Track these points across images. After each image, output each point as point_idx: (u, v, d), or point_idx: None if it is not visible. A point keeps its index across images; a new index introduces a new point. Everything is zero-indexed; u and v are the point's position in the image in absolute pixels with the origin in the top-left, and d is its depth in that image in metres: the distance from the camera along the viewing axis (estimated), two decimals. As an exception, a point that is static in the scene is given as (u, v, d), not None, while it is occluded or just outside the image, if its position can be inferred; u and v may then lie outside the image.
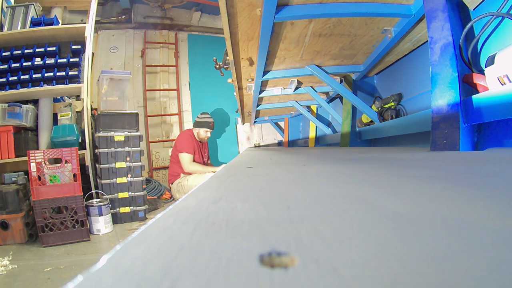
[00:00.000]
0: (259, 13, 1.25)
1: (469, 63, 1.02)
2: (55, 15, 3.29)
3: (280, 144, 4.81)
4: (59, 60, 2.87)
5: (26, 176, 2.50)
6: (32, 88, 2.78)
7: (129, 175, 2.85)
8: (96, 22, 3.61)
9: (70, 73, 2.88)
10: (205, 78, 5.29)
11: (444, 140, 0.96)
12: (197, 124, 3.69)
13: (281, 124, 4.73)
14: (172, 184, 3.55)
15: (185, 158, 3.42)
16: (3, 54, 2.82)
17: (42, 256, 2.01)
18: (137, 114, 3.01)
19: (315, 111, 3.48)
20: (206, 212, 0.26)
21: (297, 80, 2.43)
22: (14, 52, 2.82)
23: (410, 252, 0.16)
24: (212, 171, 3.36)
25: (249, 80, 2.27)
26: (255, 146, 4.84)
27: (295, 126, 4.32)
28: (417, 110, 1.66)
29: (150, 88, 5.11)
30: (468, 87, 0.98)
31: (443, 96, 0.98)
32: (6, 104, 2.68)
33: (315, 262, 0.15)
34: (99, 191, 2.74)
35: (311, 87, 2.62)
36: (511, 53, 0.83)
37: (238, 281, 0.13)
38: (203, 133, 3.67)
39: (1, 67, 2.80)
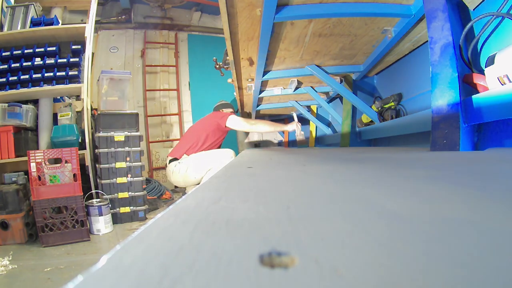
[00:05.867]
0: (259, 13, 1.25)
1: (469, 63, 1.02)
2: (55, 15, 3.29)
3: (280, 144, 4.81)
4: (59, 60, 2.87)
5: (26, 176, 2.49)
6: (32, 88, 2.78)
7: (129, 175, 2.85)
8: (96, 22, 3.60)
9: (70, 73, 2.88)
10: (205, 78, 5.29)
11: (444, 140, 0.96)
12: (222, 106, 3.08)
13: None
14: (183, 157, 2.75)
15: (236, 118, 2.63)
16: (3, 54, 2.82)
17: (42, 256, 2.01)
18: (137, 114, 3.01)
19: (315, 111, 3.48)
20: (206, 212, 0.26)
21: (297, 80, 2.43)
22: (14, 52, 2.82)
23: (410, 252, 0.16)
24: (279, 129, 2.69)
25: (249, 80, 2.27)
26: (255, 146, 4.84)
27: None
28: (417, 110, 1.66)
29: (150, 88, 5.10)
30: (468, 87, 0.98)
31: (443, 96, 0.98)
32: (6, 104, 2.68)
33: (315, 262, 0.15)
34: (99, 191, 2.74)
35: (311, 87, 2.61)
36: (511, 53, 0.83)
37: (238, 281, 0.13)
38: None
39: (1, 67, 2.79)
